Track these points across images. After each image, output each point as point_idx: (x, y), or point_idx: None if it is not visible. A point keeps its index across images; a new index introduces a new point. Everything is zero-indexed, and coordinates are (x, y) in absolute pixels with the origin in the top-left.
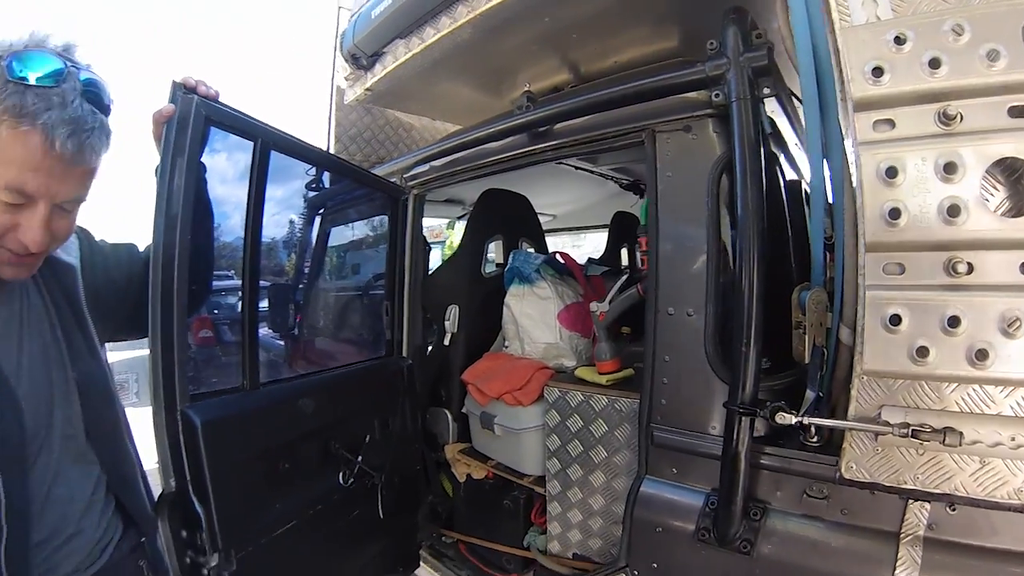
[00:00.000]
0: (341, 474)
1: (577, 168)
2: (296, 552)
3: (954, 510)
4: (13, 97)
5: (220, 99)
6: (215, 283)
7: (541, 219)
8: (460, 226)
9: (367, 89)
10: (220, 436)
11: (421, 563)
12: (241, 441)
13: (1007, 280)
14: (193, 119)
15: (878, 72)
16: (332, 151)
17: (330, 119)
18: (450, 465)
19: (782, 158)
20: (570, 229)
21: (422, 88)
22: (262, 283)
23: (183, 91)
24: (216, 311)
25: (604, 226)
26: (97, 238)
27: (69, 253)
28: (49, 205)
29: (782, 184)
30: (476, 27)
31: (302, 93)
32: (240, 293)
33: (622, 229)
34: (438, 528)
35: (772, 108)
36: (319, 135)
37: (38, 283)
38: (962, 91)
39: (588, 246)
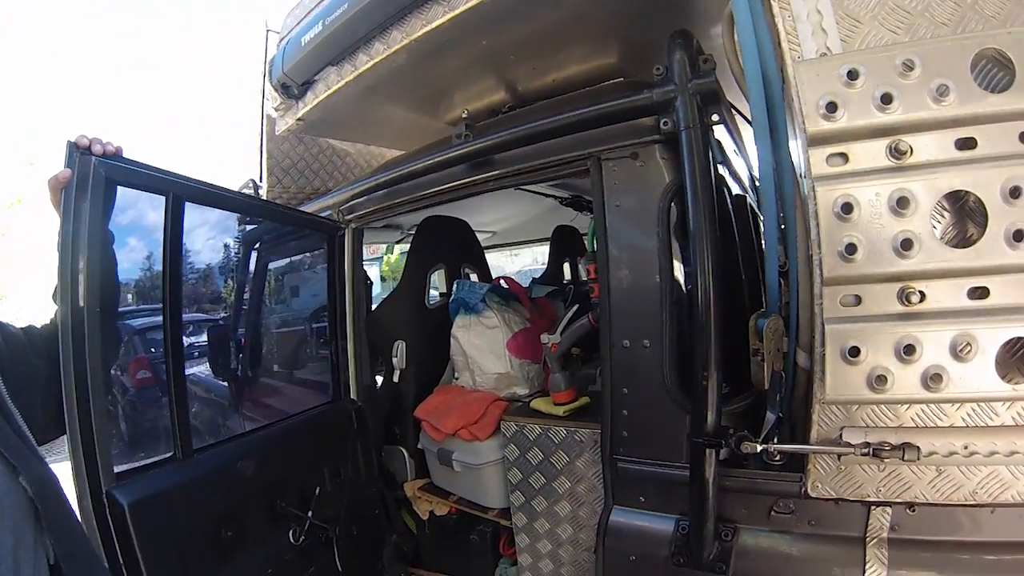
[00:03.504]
0: (291, 532)
1: (517, 188)
2: None
3: (914, 511)
4: None
5: (123, 154)
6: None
7: (480, 236)
8: (399, 249)
9: (299, 119)
10: (151, 515)
11: None
12: (176, 517)
13: (957, 306)
14: (92, 181)
15: (832, 107)
16: (265, 185)
17: (261, 151)
18: (411, 502)
19: (726, 174)
20: (509, 244)
21: (357, 115)
22: (196, 340)
23: (79, 152)
24: (146, 377)
25: (545, 239)
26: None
27: None
28: None
29: (729, 203)
30: (412, 52)
31: (234, 124)
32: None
33: (564, 244)
34: (406, 567)
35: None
36: (252, 169)
37: None
38: (913, 125)
39: (526, 257)
